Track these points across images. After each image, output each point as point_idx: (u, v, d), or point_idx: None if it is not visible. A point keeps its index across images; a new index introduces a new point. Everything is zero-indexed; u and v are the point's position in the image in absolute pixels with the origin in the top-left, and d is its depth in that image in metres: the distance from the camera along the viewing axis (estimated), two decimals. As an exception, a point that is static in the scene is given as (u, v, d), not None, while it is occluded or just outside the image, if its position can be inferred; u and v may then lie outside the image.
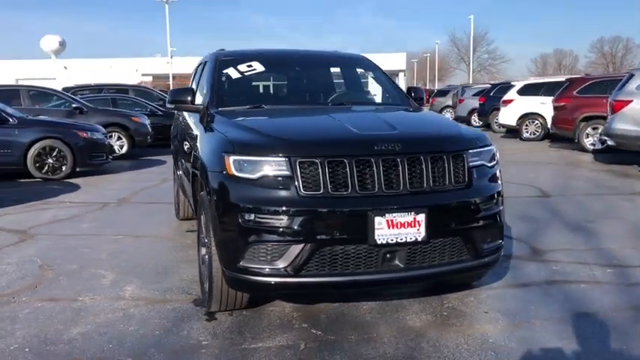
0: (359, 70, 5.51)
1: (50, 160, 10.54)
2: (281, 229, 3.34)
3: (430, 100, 34.64)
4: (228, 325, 3.75)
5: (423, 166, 3.53)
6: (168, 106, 4.82)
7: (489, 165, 3.87)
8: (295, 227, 3.34)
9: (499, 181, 3.92)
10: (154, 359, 3.31)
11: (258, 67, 5.00)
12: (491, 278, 4.60)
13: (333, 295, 4.11)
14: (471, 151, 3.76)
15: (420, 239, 3.45)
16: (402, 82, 56.73)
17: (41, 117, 11.79)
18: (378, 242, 3.38)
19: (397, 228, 3.40)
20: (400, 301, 4.11)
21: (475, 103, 24.43)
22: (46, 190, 9.42)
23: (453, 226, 3.58)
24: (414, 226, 3.42)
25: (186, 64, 45.80)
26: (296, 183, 3.38)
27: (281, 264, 3.39)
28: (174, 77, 40.40)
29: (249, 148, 3.52)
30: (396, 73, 55.24)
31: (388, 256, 3.48)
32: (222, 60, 5.08)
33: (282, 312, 3.96)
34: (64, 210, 7.76)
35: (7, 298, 4.33)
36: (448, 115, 29.96)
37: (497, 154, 4.06)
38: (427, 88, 61.19)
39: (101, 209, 7.76)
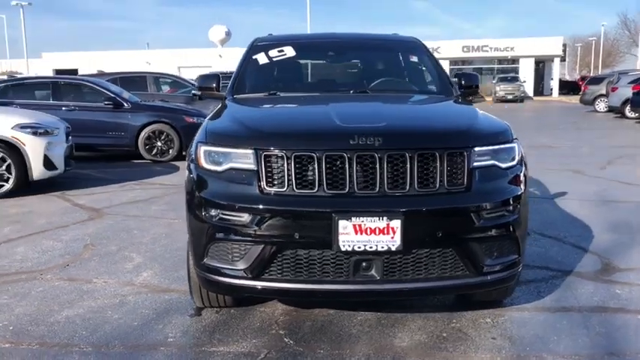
0: (404, 55, 5.00)
1: (159, 143, 11.14)
2: (241, 228, 3.08)
3: (582, 88, 31.74)
4: (205, 324, 3.59)
5: (407, 164, 3.05)
6: (196, 92, 4.73)
7: (504, 166, 3.26)
8: (255, 227, 3.06)
9: (519, 185, 3.30)
10: (112, 352, 3.24)
11: (290, 52, 4.73)
12: (529, 297, 3.97)
13: (324, 301, 3.77)
14: (477, 149, 3.19)
15: (394, 249, 3.00)
16: (556, 69, 52.75)
17: (154, 102, 12.50)
18: (342, 249, 2.99)
19: (366, 234, 2.97)
20: (403, 315, 3.66)
21: (629, 91, 21.84)
22: (147, 171, 9.96)
23: (442, 235, 3.06)
24: (387, 233, 2.98)
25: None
26: (260, 178, 3.10)
27: (241, 265, 3.14)
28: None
29: (219, 138, 3.29)
30: (550, 59, 51.49)
31: (364, 264, 3.07)
32: (256, 45, 4.88)
33: (270, 314, 3.70)
34: (148, 191, 8.11)
35: (36, 274, 4.54)
36: (602, 105, 27.20)
37: (521, 152, 3.42)
38: (585, 75, 56.27)
39: (178, 192, 7.99)
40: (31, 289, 4.23)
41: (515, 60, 50.99)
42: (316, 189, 3.04)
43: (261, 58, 4.70)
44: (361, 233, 2.97)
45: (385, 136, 3.09)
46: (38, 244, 5.38)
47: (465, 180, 3.12)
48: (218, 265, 3.19)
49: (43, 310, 3.82)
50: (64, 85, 11.32)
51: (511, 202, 3.22)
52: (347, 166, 3.03)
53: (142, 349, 3.25)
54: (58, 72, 42.79)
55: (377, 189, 3.03)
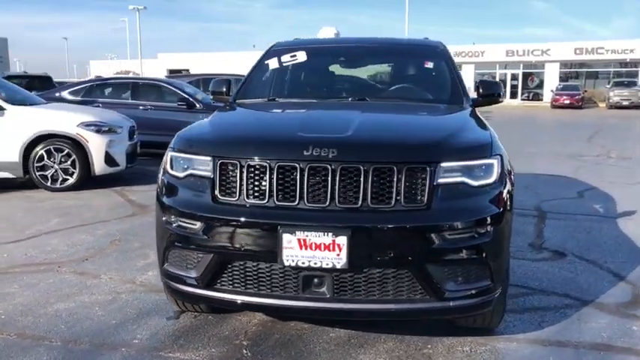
0: (418, 61, 4.74)
1: (227, 143, 11.41)
2: (194, 236, 3.06)
3: None
4: (177, 328, 3.60)
5: (361, 178, 2.89)
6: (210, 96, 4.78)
7: (476, 184, 3.00)
8: (206, 236, 3.03)
9: (495, 205, 3.02)
10: (77, 348, 3.33)
11: (301, 57, 4.65)
12: (527, 326, 3.64)
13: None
14: (445, 164, 2.96)
15: (339, 266, 2.84)
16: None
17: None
18: (286, 263, 2.88)
19: (311, 249, 2.84)
20: (378, 335, 3.47)
21: None
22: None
23: (394, 256, 2.86)
24: (333, 249, 2.83)
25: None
26: (215, 186, 3.06)
27: (194, 274, 3.11)
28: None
29: (185, 144, 3.29)
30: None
31: (315, 281, 2.94)
32: (272, 50, 4.84)
33: (244, 323, 3.66)
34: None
35: (53, 266, 4.79)
36: None
37: (503, 169, 3.13)
38: None
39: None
40: (42, 280, 4.46)
41: (636, 64, 47.32)
42: (266, 200, 2.95)
43: (272, 63, 4.66)
44: (306, 248, 2.84)
45: (340, 147, 2.95)
46: (72, 237, 5.68)
47: (426, 197, 2.90)
48: (175, 271, 3.19)
49: (39, 301, 4.01)
50: (142, 86, 11.92)
51: (481, 224, 2.95)
52: (298, 177, 2.91)
53: (104, 349, 3.32)
54: (170, 72, 45.23)
55: (327, 203, 2.89)
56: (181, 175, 3.19)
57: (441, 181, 2.93)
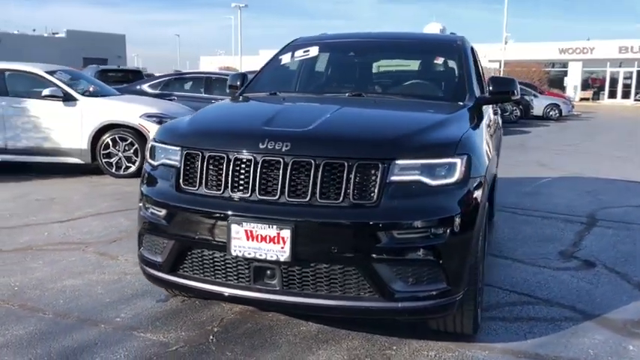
0: (428, 57, 4.60)
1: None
2: (160, 223, 3.19)
3: None
4: (160, 310, 3.76)
5: (311, 173, 2.88)
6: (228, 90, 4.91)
7: (434, 183, 2.89)
8: (169, 223, 3.15)
9: (455, 206, 2.90)
10: (63, 322, 3.57)
11: (313, 52, 4.67)
12: (511, 336, 3.49)
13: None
14: (400, 162, 2.88)
15: (282, 259, 2.86)
16: None
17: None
18: (233, 253, 2.94)
19: (257, 241, 2.88)
20: (348, 332, 3.45)
21: None
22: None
23: (339, 252, 2.83)
24: (278, 242, 2.85)
25: (521, 50, 43.55)
26: (180, 176, 3.18)
27: (160, 259, 3.25)
28: (506, 64, 38.81)
29: (163, 135, 3.43)
30: None
31: (268, 272, 2.98)
32: (289, 45, 4.89)
33: (225, 310, 3.75)
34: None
35: (82, 246, 5.15)
36: None
37: (469, 169, 2.99)
38: None
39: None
40: (65, 258, 4.81)
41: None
42: (222, 191, 3.02)
43: (285, 58, 4.72)
44: (252, 240, 2.89)
45: (294, 142, 2.96)
46: (112, 221, 6.05)
47: (376, 195, 2.84)
48: (148, 256, 3.35)
49: (53, 277, 4.34)
50: (214, 80, 12.37)
51: (434, 224, 2.85)
52: (252, 169, 2.96)
53: (86, 324, 3.54)
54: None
55: (278, 196, 2.92)
56: (155, 163, 3.34)
57: (394, 178, 2.86)
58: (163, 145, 3.32)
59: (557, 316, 3.78)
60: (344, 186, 2.85)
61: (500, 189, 6.61)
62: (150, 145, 3.47)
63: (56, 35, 56.34)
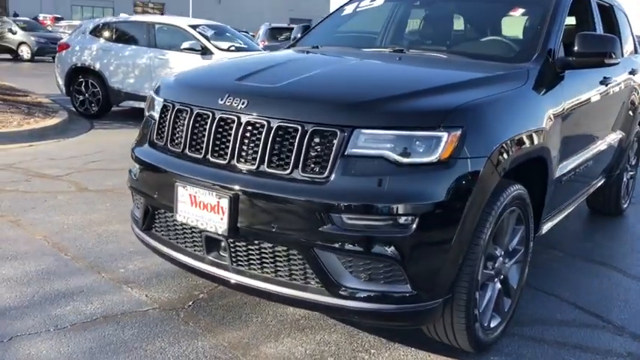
0: (505, 8, 3.70)
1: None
2: (138, 179, 3.03)
3: None
4: (162, 269, 3.57)
5: (262, 136, 2.47)
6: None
7: (406, 161, 2.30)
8: (140, 179, 2.98)
9: (429, 192, 2.29)
10: (73, 264, 3.62)
11: (377, 2, 4.10)
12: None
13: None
14: (365, 131, 2.34)
15: (219, 232, 2.51)
16: None
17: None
18: (178, 218, 2.67)
19: (200, 208, 2.57)
20: (333, 324, 3.01)
21: None
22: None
23: (279, 231, 2.40)
24: (218, 212, 2.51)
25: None
26: (154, 130, 2.97)
27: (138, 215, 3.11)
28: None
29: (157, 85, 3.22)
30: None
31: (222, 244, 2.67)
32: None
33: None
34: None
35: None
36: None
37: (461, 148, 2.33)
38: None
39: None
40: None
41: None
42: (182, 148, 2.75)
43: (349, 9, 4.21)
44: (196, 206, 2.58)
45: (252, 99, 2.56)
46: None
47: (328, 169, 2.34)
48: (133, 212, 3.22)
49: (104, 220, 4.47)
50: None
51: (396, 213, 2.27)
52: (208, 127, 2.64)
53: (90, 272, 3.55)
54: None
55: (227, 160, 2.56)
56: (147, 114, 3.17)
57: (355, 151, 2.33)
58: (154, 96, 3.12)
59: (619, 350, 2.92)
60: (294, 155, 2.39)
61: None
62: (148, 97, 3.30)
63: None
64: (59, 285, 3.34)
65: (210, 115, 2.62)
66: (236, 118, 2.54)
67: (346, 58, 3.38)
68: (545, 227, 3.39)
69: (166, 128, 2.85)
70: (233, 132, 2.54)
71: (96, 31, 9.58)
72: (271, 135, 2.44)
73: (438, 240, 2.33)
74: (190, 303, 3.19)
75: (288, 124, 2.42)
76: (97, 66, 9.26)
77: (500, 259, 2.79)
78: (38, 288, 3.28)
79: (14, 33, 22.76)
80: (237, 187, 2.45)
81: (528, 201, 2.87)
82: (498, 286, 2.83)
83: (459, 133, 2.33)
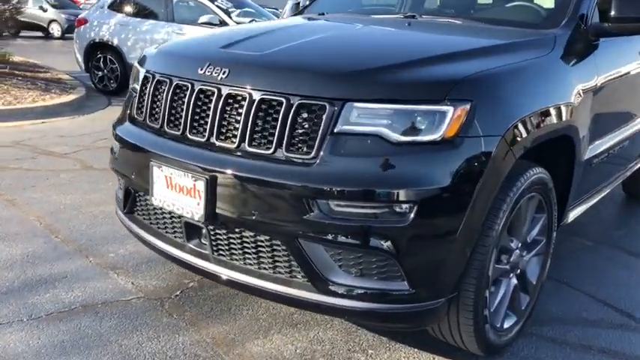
0: None
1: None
2: (117, 158, 2.78)
3: None
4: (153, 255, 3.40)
5: (244, 110, 2.18)
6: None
7: (404, 139, 1.99)
8: (119, 158, 2.73)
9: (430, 175, 1.98)
10: (62, 249, 3.41)
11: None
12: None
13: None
14: (357, 104, 2.03)
15: (196, 218, 2.25)
16: None
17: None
18: (154, 202, 2.41)
19: (176, 191, 2.30)
20: (326, 320, 2.74)
21: None
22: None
23: (260, 218, 2.11)
24: (194, 196, 2.24)
25: None
26: (134, 104, 2.71)
27: (120, 196, 2.86)
28: None
29: (141, 56, 2.94)
30: None
31: (202, 232, 2.40)
32: None
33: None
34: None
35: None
36: None
37: (471, 125, 2.00)
38: None
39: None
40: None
41: None
42: (159, 124, 2.48)
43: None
44: (172, 188, 2.32)
45: (234, 68, 2.27)
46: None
47: (315, 148, 2.04)
48: (118, 195, 2.98)
49: (102, 201, 4.25)
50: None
51: (391, 200, 1.97)
52: (186, 100, 2.36)
53: (78, 255, 3.34)
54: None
55: (206, 137, 2.28)
56: (131, 87, 2.90)
57: (346, 128, 2.03)
58: (138, 67, 2.84)
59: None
60: (277, 132, 2.10)
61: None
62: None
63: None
64: (43, 270, 3.13)
65: (190, 86, 2.34)
66: (216, 90, 2.25)
67: (349, 24, 3.05)
68: (572, 215, 3.04)
69: (145, 102, 2.58)
70: (212, 105, 2.25)
71: (114, 6, 9.36)
72: (253, 109, 2.15)
73: (440, 231, 2.02)
74: (178, 292, 2.96)
75: (271, 97, 2.12)
76: (115, 41, 9.06)
77: (517, 251, 2.46)
78: (20, 273, 3.08)
79: (45, 11, 22.82)
80: (214, 168, 2.17)
81: (551, 186, 2.53)
82: (514, 281, 2.50)
83: (467, 107, 2.00)
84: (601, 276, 3.38)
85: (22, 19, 23.30)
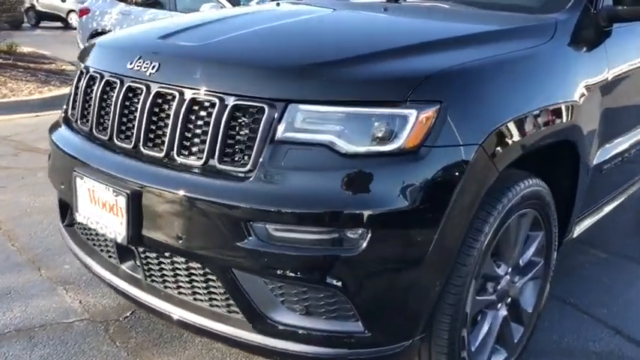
0: None
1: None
2: (50, 165, 2.46)
3: None
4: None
5: (172, 111, 1.82)
6: None
7: (355, 150, 1.62)
8: (51, 165, 2.42)
9: (386, 194, 1.60)
10: (15, 259, 3.14)
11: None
12: None
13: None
14: (302, 107, 1.66)
15: (119, 240, 1.90)
16: None
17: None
18: (78, 218, 2.08)
19: (100, 207, 1.96)
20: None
21: None
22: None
23: (188, 243, 1.76)
24: (117, 214, 1.89)
25: None
26: (69, 103, 2.39)
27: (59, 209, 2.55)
28: None
29: (82, 50, 2.60)
30: None
31: (136, 254, 2.06)
32: None
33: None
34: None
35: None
36: None
37: (439, 132, 1.62)
38: None
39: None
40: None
41: None
42: (89, 127, 2.15)
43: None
44: (95, 203, 1.98)
45: (165, 62, 1.92)
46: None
47: (252, 159, 1.68)
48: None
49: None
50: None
51: (340, 223, 1.60)
52: (114, 99, 2.02)
53: (30, 267, 3.06)
54: None
55: (132, 142, 1.94)
56: (73, 84, 2.56)
57: (288, 135, 1.66)
58: (80, 63, 2.50)
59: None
60: (209, 138, 1.74)
61: None
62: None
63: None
64: (-12, 284, 2.85)
65: (119, 83, 2.00)
66: (145, 88, 1.90)
67: (315, 10, 2.66)
68: (579, 229, 2.63)
69: (78, 101, 2.25)
70: (139, 106, 1.90)
71: (116, -6, 9.11)
72: (182, 110, 1.79)
73: (400, 262, 1.65)
74: (128, 314, 2.63)
75: (203, 97, 1.77)
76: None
77: (507, 277, 2.08)
78: (-38, 288, 2.80)
79: (64, 1, 22.79)
80: (136, 181, 1.83)
81: (549, 199, 2.13)
82: (503, 313, 2.12)
83: (434, 110, 1.62)
84: (614, 296, 2.96)
85: (42, 10, 23.39)
